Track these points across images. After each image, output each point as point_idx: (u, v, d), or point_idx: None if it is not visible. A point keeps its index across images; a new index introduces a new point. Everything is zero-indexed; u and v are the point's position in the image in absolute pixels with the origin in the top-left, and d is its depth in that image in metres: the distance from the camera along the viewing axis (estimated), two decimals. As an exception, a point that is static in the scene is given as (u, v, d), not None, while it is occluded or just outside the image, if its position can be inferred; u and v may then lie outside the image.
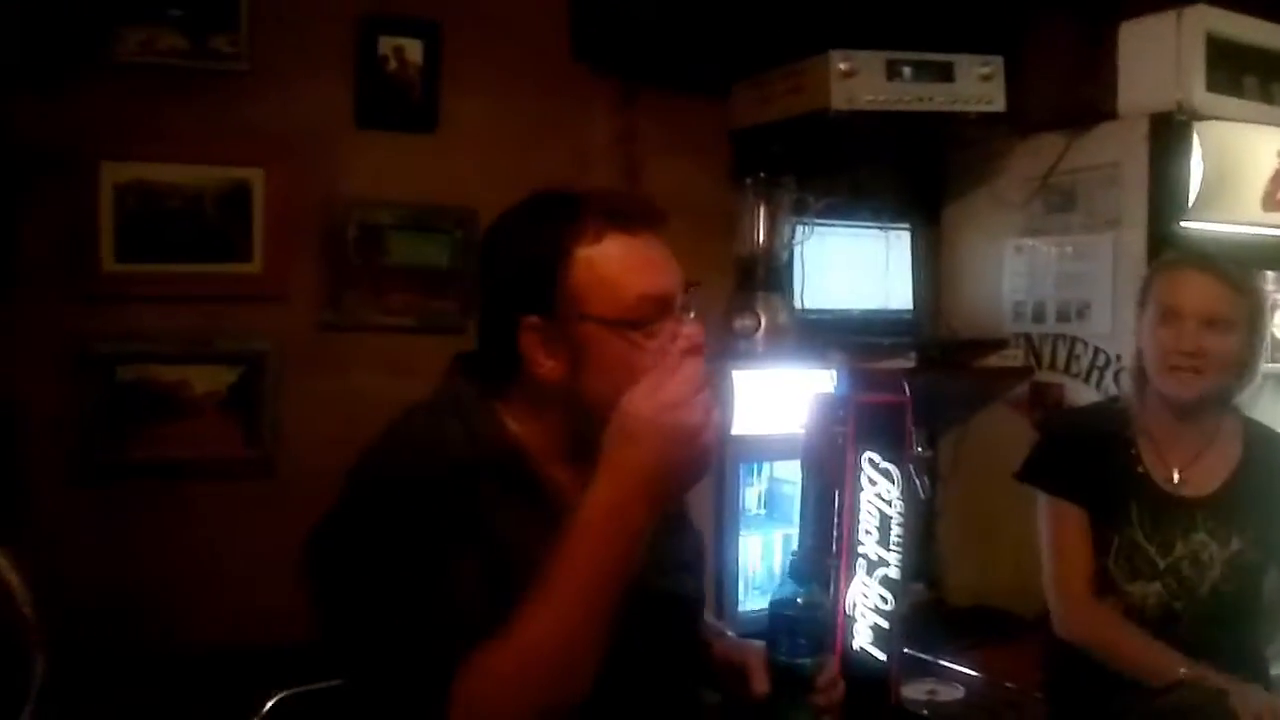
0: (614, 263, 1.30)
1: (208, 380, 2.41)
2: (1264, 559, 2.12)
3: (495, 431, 1.33)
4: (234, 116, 2.44)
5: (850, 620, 2.13)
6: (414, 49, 2.59)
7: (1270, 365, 2.63)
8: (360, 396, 2.45)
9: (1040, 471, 2.28)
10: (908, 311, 3.21)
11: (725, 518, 2.71)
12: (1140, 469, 2.18)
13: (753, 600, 2.78)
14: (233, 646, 2.25)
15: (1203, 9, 2.74)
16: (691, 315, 1.34)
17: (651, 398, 1.22)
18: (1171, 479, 2.16)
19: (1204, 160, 2.63)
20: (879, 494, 2.15)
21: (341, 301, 2.54)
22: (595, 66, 2.80)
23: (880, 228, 3.16)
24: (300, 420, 2.47)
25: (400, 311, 2.58)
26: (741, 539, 2.78)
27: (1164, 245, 2.70)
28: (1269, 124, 2.82)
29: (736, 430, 2.68)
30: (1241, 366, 2.14)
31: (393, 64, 2.58)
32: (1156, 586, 2.12)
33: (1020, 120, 2.92)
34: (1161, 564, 2.12)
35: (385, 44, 2.57)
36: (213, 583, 2.36)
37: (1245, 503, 2.12)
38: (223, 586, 2.36)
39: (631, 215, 1.34)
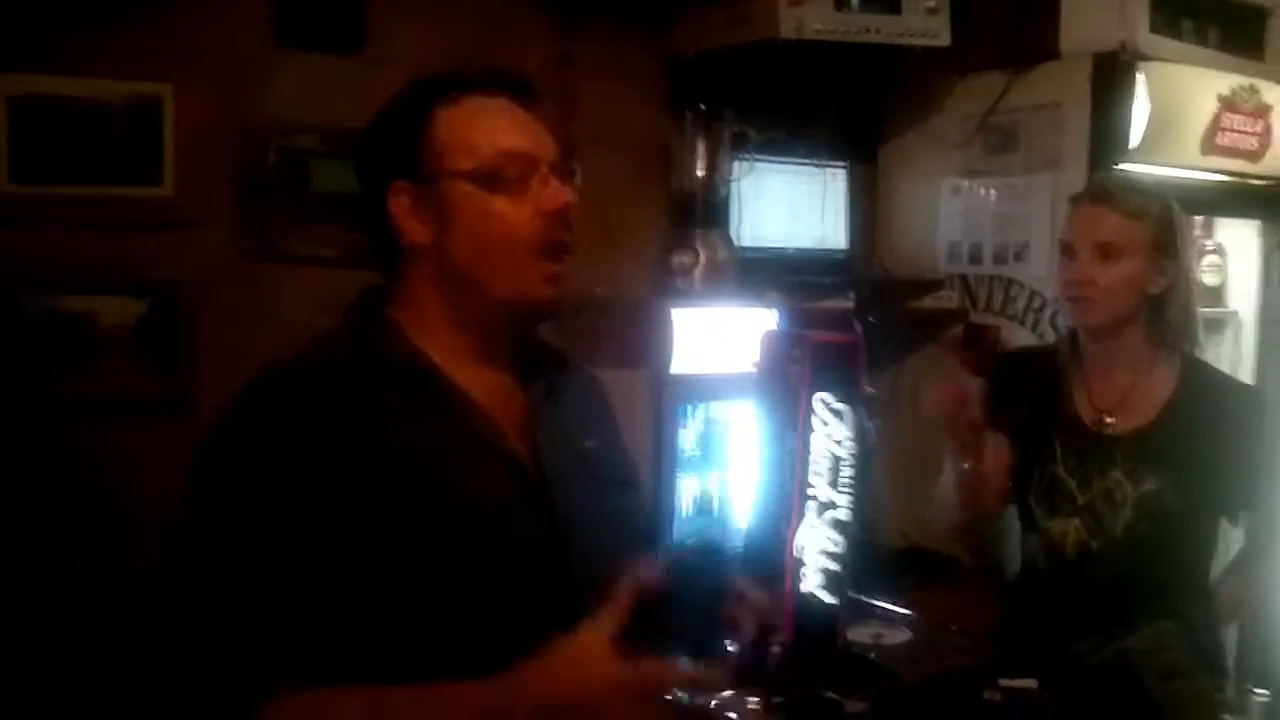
0: (472, 120, 1.27)
1: (116, 312, 2.25)
2: (1185, 502, 2.06)
3: (394, 341, 1.26)
4: (142, 26, 2.25)
5: (799, 564, 2.09)
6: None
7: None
8: (282, 330, 2.29)
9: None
10: (843, 251, 3.16)
11: (662, 459, 2.64)
12: (1069, 405, 2.16)
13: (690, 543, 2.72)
14: (143, 593, 2.12)
15: (1146, -53, 2.71)
16: (571, 182, 1.30)
17: (605, 657, 1.10)
18: (1098, 416, 2.13)
19: (1149, 102, 2.61)
20: (830, 435, 2.09)
21: (261, 230, 2.39)
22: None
23: (817, 165, 3.10)
24: (218, 355, 2.32)
25: (324, 243, 2.44)
26: (678, 481, 2.71)
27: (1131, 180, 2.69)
28: (1207, 66, 2.82)
29: (673, 370, 2.61)
30: (1145, 292, 2.07)
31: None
32: (1075, 523, 2.10)
33: (960, 58, 2.88)
34: (1080, 500, 2.10)
35: (309, -41, 2.40)
36: (123, 526, 2.22)
37: (1169, 444, 2.08)
38: (134, 530, 2.22)
39: (492, 80, 1.31)
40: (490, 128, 1.26)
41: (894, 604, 2.49)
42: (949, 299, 3.03)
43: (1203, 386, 2.15)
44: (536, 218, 1.25)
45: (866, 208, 3.24)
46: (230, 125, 2.36)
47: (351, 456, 1.15)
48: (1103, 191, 2.15)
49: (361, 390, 1.20)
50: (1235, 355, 3.19)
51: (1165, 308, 2.11)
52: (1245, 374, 3.18)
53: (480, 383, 1.28)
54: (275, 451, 1.15)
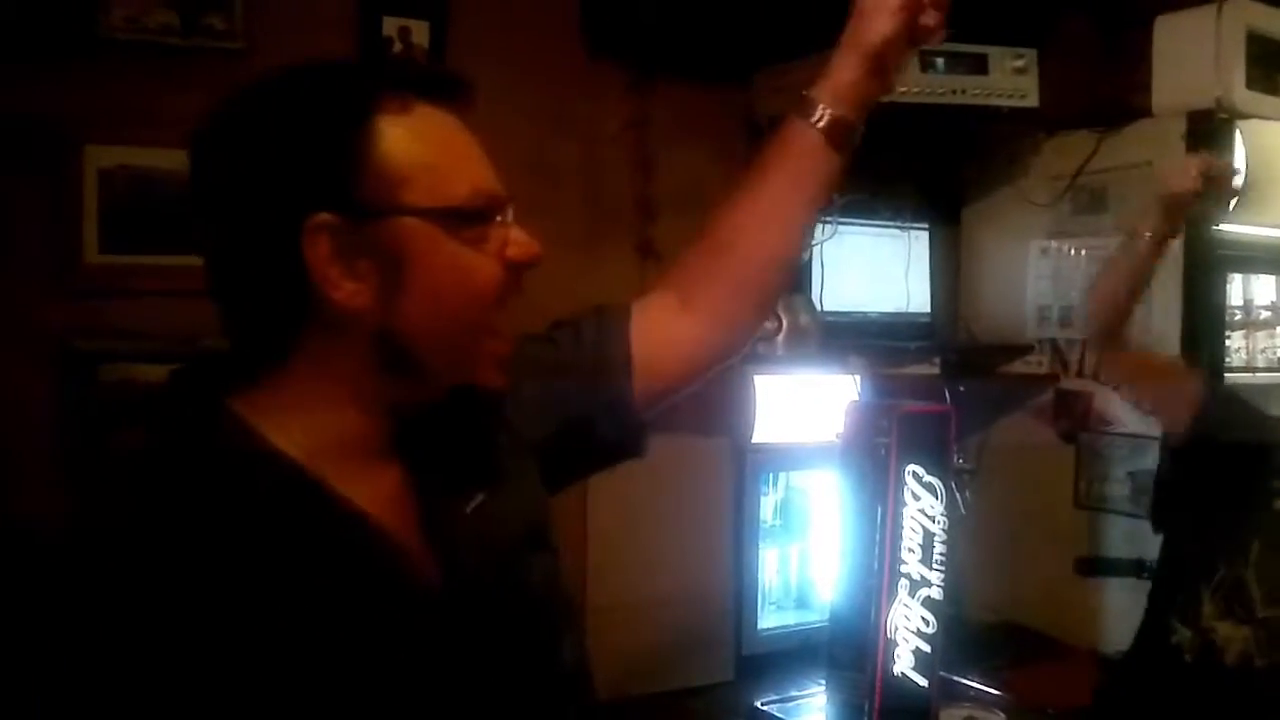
0: (434, 140, 0.94)
1: (195, 380, 2.25)
2: None
3: (247, 445, 0.92)
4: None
5: (891, 644, 2.01)
6: (420, 31, 2.43)
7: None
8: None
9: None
10: (927, 315, 3.09)
11: (742, 530, 2.58)
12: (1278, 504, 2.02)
13: (770, 617, 2.64)
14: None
15: (1243, 3, 2.63)
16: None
17: None
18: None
19: (1248, 160, 2.52)
20: (922, 509, 2.02)
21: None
22: (607, 52, 2.66)
23: (900, 227, 3.03)
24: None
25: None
26: (758, 551, 2.64)
27: (1202, 248, 2.60)
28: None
29: (753, 438, 2.55)
30: None
31: (398, 46, 2.43)
32: (1244, 633, 1.97)
33: (1047, 117, 2.81)
34: (1260, 613, 1.97)
35: (390, 24, 2.41)
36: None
37: None
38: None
39: (442, 85, 0.98)
40: (455, 153, 0.96)
41: (986, 684, 2.40)
42: (1039, 364, 2.94)
43: None
44: (502, 271, 0.97)
45: (950, 270, 3.17)
46: (312, 194, 2.37)
47: (225, 631, 0.84)
48: None
49: (227, 542, 0.86)
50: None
51: None
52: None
53: (368, 485, 0.96)
54: (129, 646, 0.83)
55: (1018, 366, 2.96)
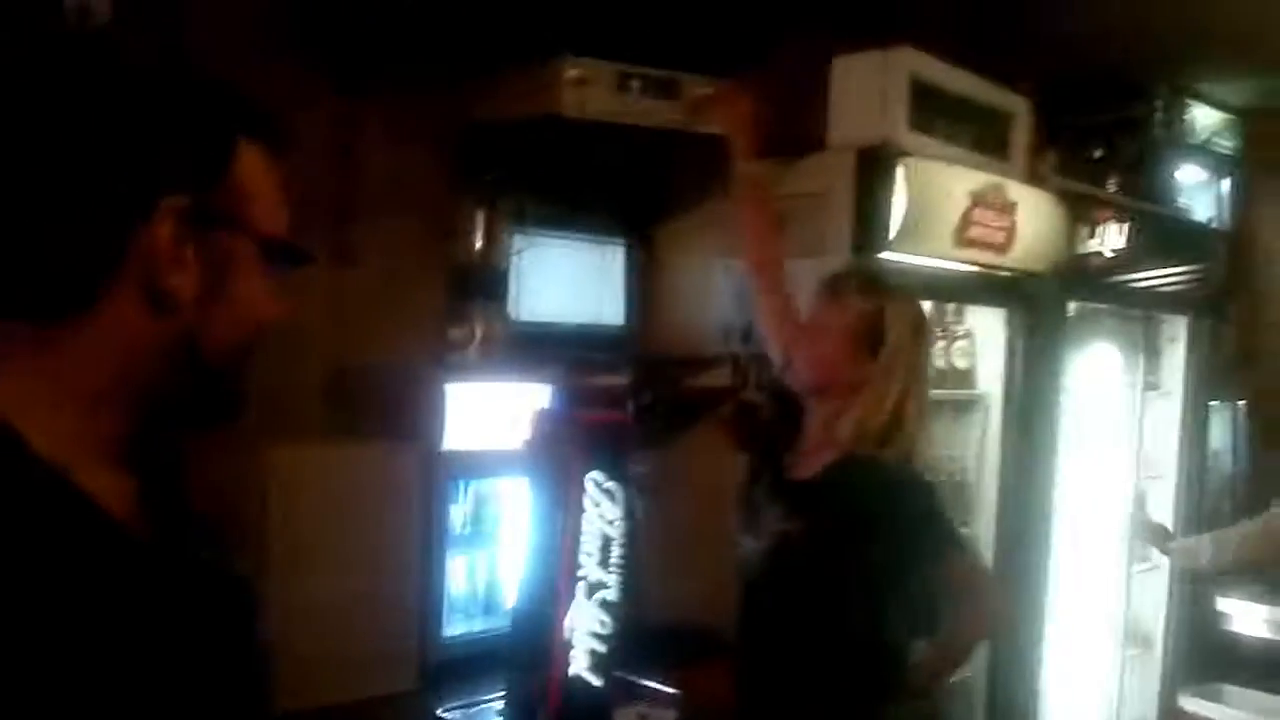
0: (271, 177, 0.99)
1: None
2: (808, 554, 2.11)
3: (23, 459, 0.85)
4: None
5: (568, 646, 2.07)
6: (104, 7, 2.30)
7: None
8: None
9: None
10: (621, 327, 3.19)
11: (431, 537, 2.58)
12: (791, 441, 2.26)
13: (457, 624, 2.65)
14: None
15: (907, 51, 2.88)
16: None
17: None
18: (793, 459, 2.23)
19: (906, 195, 2.76)
20: (601, 515, 2.10)
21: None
22: (315, 50, 2.60)
23: (597, 241, 3.13)
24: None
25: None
26: (447, 559, 2.64)
27: (865, 273, 2.81)
28: (960, 164, 3.00)
29: (444, 445, 2.56)
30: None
31: (74, 22, 2.29)
32: (754, 544, 2.21)
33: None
34: (760, 523, 2.20)
35: None
36: None
37: (813, 497, 2.15)
38: None
39: (280, 142, 1.01)
40: (281, 196, 1.00)
41: (661, 683, 2.50)
42: (722, 377, 3.09)
43: (857, 462, 2.16)
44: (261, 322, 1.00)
45: (645, 285, 3.29)
46: None
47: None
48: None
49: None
50: (984, 434, 3.38)
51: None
52: (993, 452, 3.38)
53: (112, 488, 0.92)
54: None
55: (703, 379, 3.11)
